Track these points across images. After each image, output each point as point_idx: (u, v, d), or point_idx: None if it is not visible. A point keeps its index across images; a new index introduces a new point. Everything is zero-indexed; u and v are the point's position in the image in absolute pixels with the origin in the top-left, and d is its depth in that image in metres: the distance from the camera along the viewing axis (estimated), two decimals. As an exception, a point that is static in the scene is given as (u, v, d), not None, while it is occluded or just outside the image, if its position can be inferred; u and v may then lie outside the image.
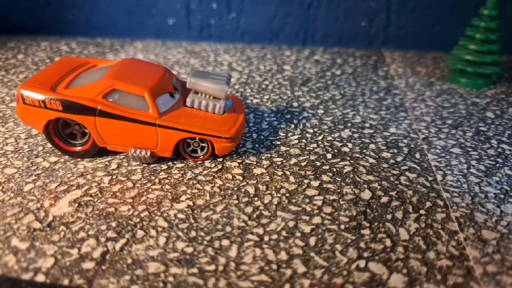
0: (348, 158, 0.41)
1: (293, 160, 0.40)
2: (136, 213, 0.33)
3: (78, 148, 0.40)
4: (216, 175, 0.38)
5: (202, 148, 0.40)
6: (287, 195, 0.35)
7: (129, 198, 0.35)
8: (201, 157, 0.40)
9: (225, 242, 0.30)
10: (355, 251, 0.29)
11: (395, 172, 0.39)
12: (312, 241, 0.30)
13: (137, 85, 0.38)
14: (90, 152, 0.40)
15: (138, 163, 0.39)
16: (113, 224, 0.32)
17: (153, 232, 0.31)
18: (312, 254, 0.29)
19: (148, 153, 0.38)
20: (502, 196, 0.35)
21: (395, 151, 0.42)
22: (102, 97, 0.37)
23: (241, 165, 0.40)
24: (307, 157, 0.41)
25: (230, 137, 0.38)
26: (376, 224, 0.32)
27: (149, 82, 0.39)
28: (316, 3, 0.77)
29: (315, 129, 0.47)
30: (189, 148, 0.40)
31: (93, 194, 0.35)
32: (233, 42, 0.83)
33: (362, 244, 0.30)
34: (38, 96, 0.38)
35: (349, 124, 0.48)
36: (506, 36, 0.74)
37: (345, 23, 0.79)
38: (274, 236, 0.31)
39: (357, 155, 0.42)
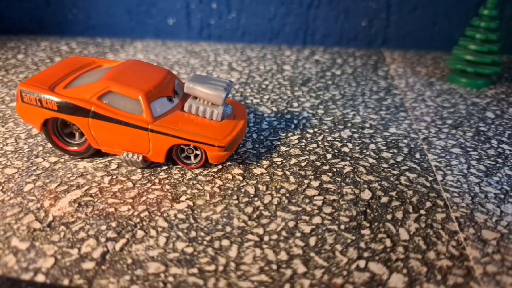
0: (348, 158, 0.41)
1: (293, 160, 0.40)
2: (136, 213, 0.33)
3: (77, 148, 0.40)
4: (216, 175, 0.38)
5: (196, 156, 0.38)
6: (287, 195, 0.35)
7: (129, 198, 0.35)
8: (193, 164, 0.38)
9: (225, 242, 0.30)
10: (355, 251, 0.29)
11: (395, 172, 0.39)
12: (312, 241, 0.30)
13: (133, 88, 0.37)
14: (88, 152, 0.40)
15: (132, 167, 0.39)
16: (113, 224, 0.32)
17: (153, 232, 0.31)
18: (312, 254, 0.29)
19: (140, 158, 0.38)
20: (502, 196, 0.35)
21: (395, 151, 0.42)
22: (97, 98, 0.37)
23: (241, 165, 0.40)
24: (307, 157, 0.41)
25: (224, 146, 0.37)
26: (376, 224, 0.32)
27: (146, 85, 0.38)
28: (316, 3, 0.77)
29: (315, 129, 0.47)
30: (183, 154, 0.39)
31: (93, 194, 0.35)
32: (233, 42, 0.83)
33: (362, 244, 0.30)
34: (35, 95, 0.38)
35: (349, 124, 0.48)
36: (506, 36, 0.74)
37: (345, 23, 0.79)
38: (274, 236, 0.31)
39: (357, 155, 0.42)
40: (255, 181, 0.37)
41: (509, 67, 0.69)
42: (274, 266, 0.28)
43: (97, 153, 0.40)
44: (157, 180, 0.37)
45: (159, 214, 0.33)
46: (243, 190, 0.36)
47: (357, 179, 0.38)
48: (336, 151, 0.42)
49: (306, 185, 0.37)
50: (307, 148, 0.43)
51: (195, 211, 0.33)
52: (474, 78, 0.60)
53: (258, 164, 0.40)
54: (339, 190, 0.36)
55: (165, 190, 0.36)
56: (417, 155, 0.42)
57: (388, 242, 0.30)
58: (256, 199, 0.35)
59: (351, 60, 0.72)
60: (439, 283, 0.27)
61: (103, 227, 0.31)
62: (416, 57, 0.75)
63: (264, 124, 0.48)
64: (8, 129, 0.46)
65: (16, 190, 0.36)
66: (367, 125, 0.48)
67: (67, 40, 0.84)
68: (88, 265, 0.28)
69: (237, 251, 0.29)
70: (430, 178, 0.38)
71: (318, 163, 0.40)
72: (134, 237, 0.30)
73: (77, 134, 0.40)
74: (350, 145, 0.43)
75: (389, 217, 0.33)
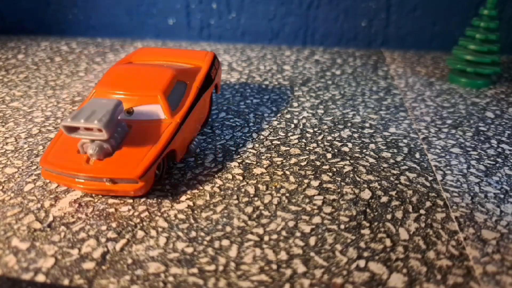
0: (348, 158, 0.41)
1: (293, 160, 0.40)
2: (136, 213, 0.33)
3: None
4: (216, 175, 0.38)
5: None
6: (287, 195, 0.35)
7: (129, 199, 0.35)
8: None
9: (225, 242, 0.30)
10: (355, 251, 0.29)
11: (395, 172, 0.39)
12: (312, 241, 0.30)
13: (100, 83, 0.39)
14: None
15: None
16: (114, 224, 0.32)
17: (153, 233, 0.31)
18: (312, 254, 0.29)
19: None
20: (502, 196, 0.35)
21: (395, 151, 0.42)
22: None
23: (241, 165, 0.40)
24: (307, 156, 0.41)
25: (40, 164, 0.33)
26: (376, 224, 0.32)
27: (113, 87, 0.38)
28: (316, 3, 0.77)
29: (315, 129, 0.47)
30: None
31: (93, 195, 0.35)
32: (233, 42, 0.83)
33: (362, 244, 0.30)
34: None
35: (349, 124, 0.48)
36: (506, 36, 0.74)
37: (345, 23, 0.79)
38: (274, 236, 0.31)
39: (357, 155, 0.42)
40: (255, 181, 0.37)
41: (508, 67, 0.69)
42: (274, 266, 0.28)
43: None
44: (157, 180, 0.37)
45: (159, 214, 0.33)
46: (243, 190, 0.36)
47: (357, 178, 0.38)
48: (336, 150, 0.42)
49: (306, 184, 0.37)
50: (307, 148, 0.43)
51: (195, 211, 0.33)
52: (474, 78, 0.60)
53: (258, 164, 0.40)
54: (339, 190, 0.36)
55: (165, 190, 0.36)
56: (417, 155, 0.42)
57: (388, 242, 0.30)
58: (256, 199, 0.35)
59: (351, 60, 0.72)
60: (439, 283, 0.27)
61: (104, 228, 0.31)
62: (416, 57, 0.75)
63: (264, 124, 0.48)
64: (8, 129, 0.46)
65: (17, 190, 0.36)
66: (367, 125, 0.48)
67: (67, 40, 0.84)
68: (88, 265, 0.28)
69: (237, 251, 0.29)
70: (430, 178, 0.38)
71: (318, 163, 0.40)
72: (134, 237, 0.30)
73: None
74: (350, 144, 0.43)
75: (389, 216, 0.33)
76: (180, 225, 0.32)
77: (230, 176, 0.38)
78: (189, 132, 0.39)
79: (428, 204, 0.34)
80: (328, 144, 0.44)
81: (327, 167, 0.39)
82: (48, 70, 0.66)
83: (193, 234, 0.31)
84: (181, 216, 0.33)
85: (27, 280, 0.27)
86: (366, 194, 0.36)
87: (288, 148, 0.43)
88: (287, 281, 0.27)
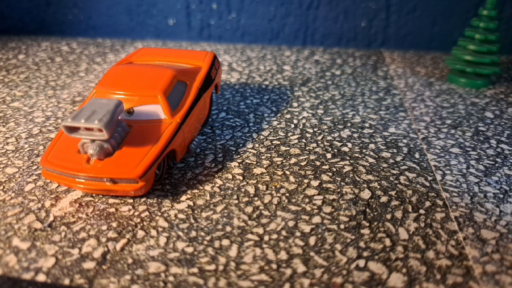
0: (348, 158, 0.41)
1: (293, 160, 0.40)
2: (136, 213, 0.33)
3: None
4: (216, 175, 0.38)
5: None
6: (287, 194, 0.35)
7: (130, 198, 0.35)
8: None
9: (225, 242, 0.30)
10: (354, 251, 0.30)
11: (394, 171, 0.39)
12: (312, 240, 0.30)
13: (101, 82, 0.39)
14: None
15: None
16: (114, 224, 0.32)
17: (153, 232, 0.31)
18: (312, 253, 0.29)
19: None
20: (501, 195, 0.36)
21: (395, 151, 0.43)
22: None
23: (241, 165, 0.40)
24: (307, 156, 0.41)
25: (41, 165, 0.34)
26: (375, 223, 0.32)
27: (112, 87, 0.38)
28: (316, 3, 0.78)
29: (315, 129, 0.47)
30: None
31: (94, 194, 0.35)
32: (233, 42, 0.83)
33: (361, 244, 0.30)
34: None
35: (349, 124, 0.48)
36: (505, 36, 0.74)
37: (345, 23, 0.79)
38: (274, 236, 0.31)
39: (356, 155, 0.42)
40: (255, 181, 0.37)
41: (508, 67, 0.70)
42: (274, 266, 0.28)
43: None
44: (157, 180, 0.37)
45: (159, 214, 0.33)
46: (243, 189, 0.36)
47: (357, 178, 0.38)
48: (335, 150, 0.42)
49: (306, 184, 0.37)
50: (307, 148, 0.43)
51: (195, 211, 0.33)
52: (473, 78, 0.60)
53: (258, 164, 0.40)
54: (338, 190, 0.36)
55: (166, 190, 0.36)
56: (417, 155, 0.42)
57: (387, 242, 0.30)
58: (256, 198, 0.35)
59: (351, 60, 0.72)
60: (438, 283, 0.27)
61: (104, 227, 0.31)
62: (416, 57, 0.75)
63: (264, 124, 0.48)
64: (9, 129, 0.46)
65: (17, 189, 0.36)
66: (367, 125, 0.48)
67: (67, 41, 0.84)
68: (88, 264, 0.28)
69: (237, 251, 0.30)
70: (430, 178, 0.38)
71: (318, 163, 0.40)
72: (134, 237, 0.31)
73: None
74: (349, 144, 0.44)
75: (388, 216, 0.33)
76: (180, 225, 0.32)
77: (230, 176, 0.38)
78: (189, 132, 0.39)
79: (427, 204, 0.35)
80: (328, 144, 0.44)
81: (327, 167, 0.40)
82: (48, 70, 0.67)
83: (193, 233, 0.31)
84: (181, 216, 0.33)
85: (28, 280, 0.27)
86: (366, 194, 0.36)
87: (288, 148, 0.43)
88: (287, 280, 0.27)
